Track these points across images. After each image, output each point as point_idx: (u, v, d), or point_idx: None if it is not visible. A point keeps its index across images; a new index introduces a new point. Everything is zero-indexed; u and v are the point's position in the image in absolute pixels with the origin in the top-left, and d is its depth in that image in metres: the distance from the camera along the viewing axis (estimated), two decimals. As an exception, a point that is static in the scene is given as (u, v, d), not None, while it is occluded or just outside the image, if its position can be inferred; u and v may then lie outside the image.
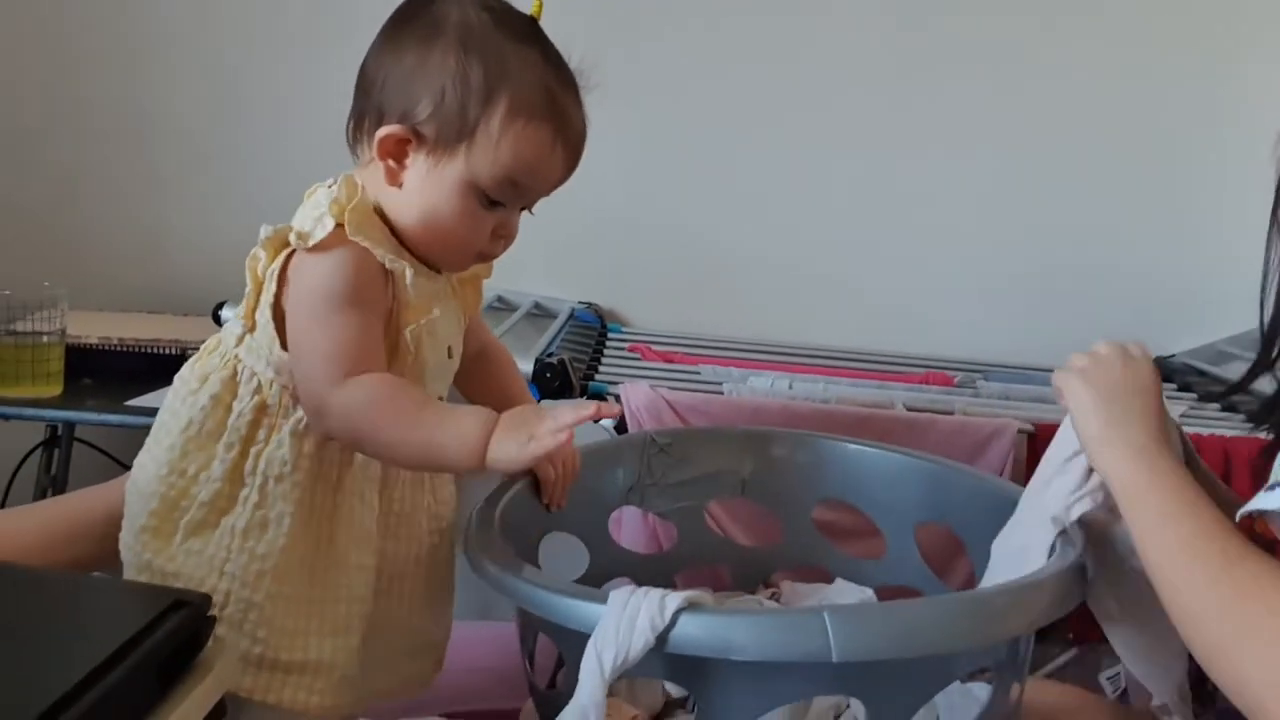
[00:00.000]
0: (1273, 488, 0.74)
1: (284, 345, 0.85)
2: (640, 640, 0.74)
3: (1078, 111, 1.84)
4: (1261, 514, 0.75)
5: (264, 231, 0.86)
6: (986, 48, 1.83)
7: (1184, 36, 1.82)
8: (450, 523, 0.98)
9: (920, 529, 1.17)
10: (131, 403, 1.43)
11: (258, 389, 0.86)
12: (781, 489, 1.23)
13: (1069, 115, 1.84)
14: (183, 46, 1.90)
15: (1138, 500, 0.81)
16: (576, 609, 0.79)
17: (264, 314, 0.86)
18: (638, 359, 1.68)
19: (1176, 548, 0.76)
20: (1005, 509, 1.04)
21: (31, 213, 1.90)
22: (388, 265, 0.85)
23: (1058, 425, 1.34)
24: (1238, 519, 0.76)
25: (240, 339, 0.87)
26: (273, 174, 1.75)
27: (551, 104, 0.86)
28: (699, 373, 1.60)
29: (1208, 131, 1.83)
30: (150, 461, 0.87)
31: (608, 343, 1.78)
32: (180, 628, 0.63)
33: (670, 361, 1.67)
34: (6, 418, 1.41)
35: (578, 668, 0.77)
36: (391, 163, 0.86)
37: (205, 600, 0.66)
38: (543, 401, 1.40)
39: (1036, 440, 1.35)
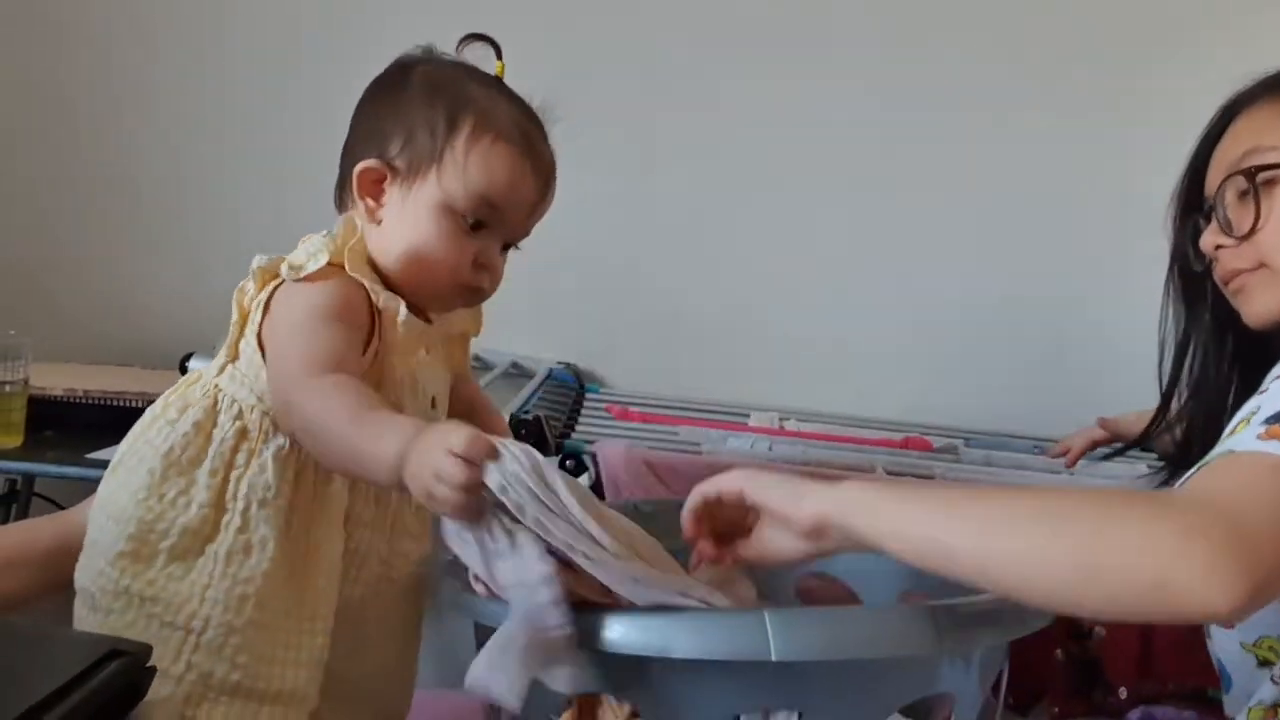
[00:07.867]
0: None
1: None
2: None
3: (1062, 187, 1.83)
4: None
5: (257, 261, 0.88)
6: (976, 103, 1.82)
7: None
8: (409, 576, 0.95)
9: (902, 598, 1.15)
10: (93, 455, 1.39)
11: (238, 415, 0.86)
12: (765, 561, 1.21)
13: (1053, 190, 1.83)
14: (166, 103, 1.91)
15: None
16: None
17: (249, 343, 0.87)
18: (614, 419, 1.66)
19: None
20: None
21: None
22: (381, 303, 0.87)
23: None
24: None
25: (222, 369, 0.89)
26: (247, 227, 1.74)
27: (516, 126, 0.90)
28: (677, 433, 1.57)
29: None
30: (122, 489, 0.87)
31: (585, 402, 1.76)
32: (116, 678, 0.60)
33: (647, 422, 1.64)
34: (-37, 469, 1.37)
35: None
36: (370, 201, 0.90)
37: (145, 650, 0.63)
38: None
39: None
